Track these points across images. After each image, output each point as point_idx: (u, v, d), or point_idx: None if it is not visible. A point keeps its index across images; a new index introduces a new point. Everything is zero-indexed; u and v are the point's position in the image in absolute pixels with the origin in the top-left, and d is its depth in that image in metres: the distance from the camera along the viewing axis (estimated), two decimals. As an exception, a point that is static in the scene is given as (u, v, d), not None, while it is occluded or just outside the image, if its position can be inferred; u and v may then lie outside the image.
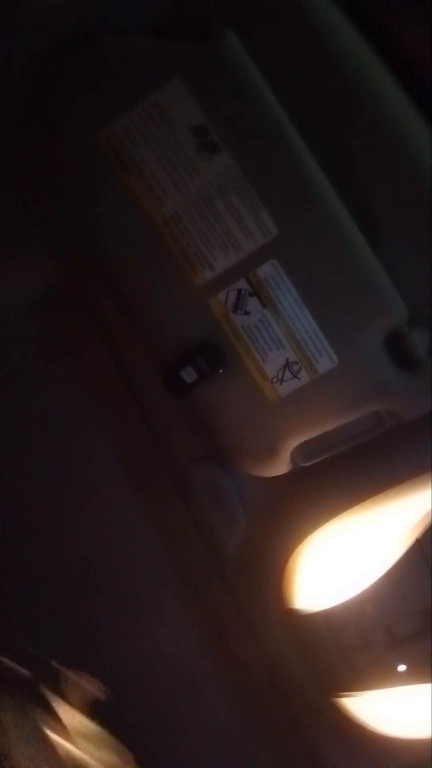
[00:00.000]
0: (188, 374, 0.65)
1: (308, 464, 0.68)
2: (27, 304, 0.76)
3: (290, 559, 0.73)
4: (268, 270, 0.63)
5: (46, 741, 0.70)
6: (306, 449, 0.68)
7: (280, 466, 0.69)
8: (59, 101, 0.65)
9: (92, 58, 0.65)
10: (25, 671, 0.80)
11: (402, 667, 0.73)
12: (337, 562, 0.74)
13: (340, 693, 0.75)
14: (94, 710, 0.83)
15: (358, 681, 0.74)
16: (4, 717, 0.68)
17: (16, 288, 0.76)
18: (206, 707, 0.82)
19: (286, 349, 0.64)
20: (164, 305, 0.66)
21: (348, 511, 0.70)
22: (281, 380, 0.64)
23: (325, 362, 0.63)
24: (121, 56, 0.64)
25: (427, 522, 0.72)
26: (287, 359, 0.64)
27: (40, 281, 0.75)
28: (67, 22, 0.66)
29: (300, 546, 0.72)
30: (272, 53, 0.63)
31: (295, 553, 0.73)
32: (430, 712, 0.73)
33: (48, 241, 0.72)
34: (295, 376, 0.64)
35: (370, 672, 0.74)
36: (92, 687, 0.83)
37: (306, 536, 0.72)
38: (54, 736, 0.73)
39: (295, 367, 0.64)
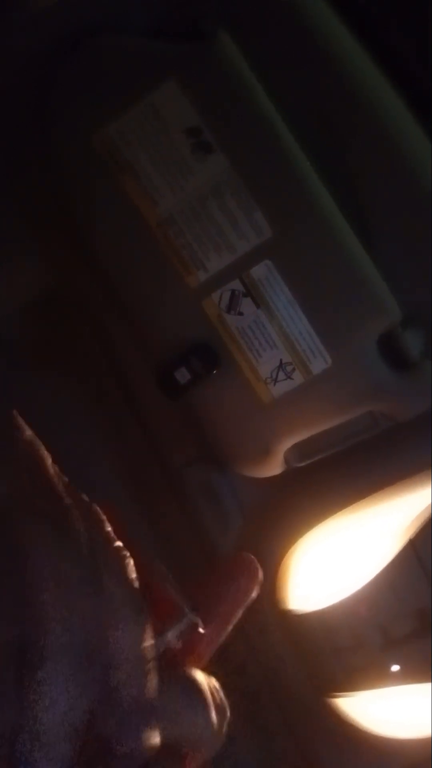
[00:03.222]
0: (182, 375, 0.65)
1: (302, 465, 0.68)
2: (23, 306, 0.76)
3: (285, 560, 0.73)
4: (261, 271, 0.63)
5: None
6: (300, 450, 0.68)
7: (274, 467, 0.69)
8: (56, 102, 0.66)
9: (89, 59, 0.65)
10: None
11: (395, 668, 0.73)
12: (331, 563, 0.74)
13: (335, 694, 0.75)
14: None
15: (353, 681, 0.74)
16: None
17: (11, 289, 0.76)
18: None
19: (280, 350, 0.64)
20: (158, 306, 0.66)
21: (342, 512, 0.70)
22: (275, 381, 0.64)
23: (319, 363, 0.63)
24: (117, 57, 0.64)
25: (420, 522, 0.72)
26: (281, 360, 0.64)
27: (36, 283, 0.75)
28: (65, 23, 0.66)
29: (294, 547, 0.72)
30: (268, 55, 0.63)
31: (289, 553, 0.73)
32: (423, 712, 0.73)
33: (44, 243, 0.72)
34: (288, 377, 0.64)
35: (364, 672, 0.74)
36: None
37: (300, 537, 0.72)
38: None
39: (289, 368, 0.64)
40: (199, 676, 0.46)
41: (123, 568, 0.41)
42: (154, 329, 0.67)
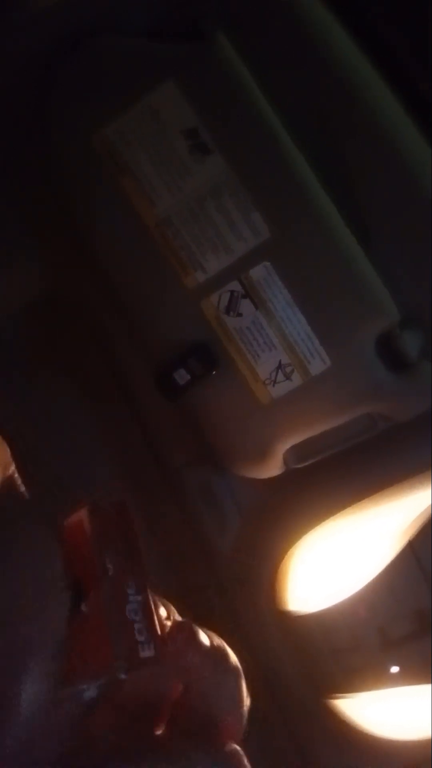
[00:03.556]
0: (181, 376, 0.65)
1: (301, 466, 0.68)
2: (23, 306, 0.76)
3: (283, 561, 0.73)
4: (260, 272, 0.62)
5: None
6: (299, 451, 0.68)
7: (273, 468, 0.69)
8: (56, 102, 0.66)
9: (89, 59, 0.65)
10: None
11: (395, 669, 0.73)
12: (329, 564, 0.74)
13: (334, 695, 0.75)
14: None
15: (352, 683, 0.74)
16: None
17: (11, 289, 0.76)
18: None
19: (279, 351, 0.63)
20: (157, 307, 0.66)
21: (341, 513, 0.70)
22: (274, 382, 0.64)
23: (318, 364, 0.63)
24: (117, 58, 0.64)
25: (419, 523, 0.72)
26: (280, 361, 0.64)
27: (36, 283, 0.75)
28: (65, 23, 0.66)
29: (293, 548, 0.72)
30: (267, 55, 0.63)
31: (288, 555, 0.73)
32: (423, 714, 0.73)
33: (44, 243, 0.72)
34: (287, 378, 0.64)
35: (363, 674, 0.74)
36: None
37: (299, 538, 0.72)
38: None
39: (288, 369, 0.64)
40: (218, 639, 0.48)
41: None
42: (153, 330, 0.67)
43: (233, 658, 0.51)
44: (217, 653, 0.50)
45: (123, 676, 0.43)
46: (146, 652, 0.44)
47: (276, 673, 0.77)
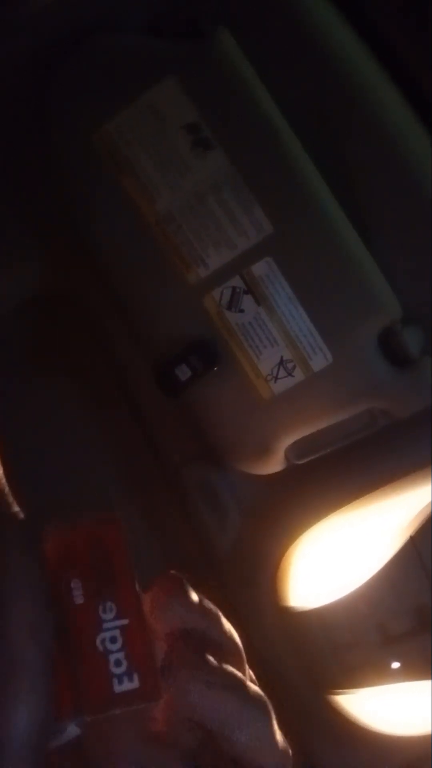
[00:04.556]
0: (182, 372, 0.65)
1: (302, 462, 0.68)
2: (21, 304, 0.76)
3: (284, 558, 0.73)
4: (262, 268, 0.62)
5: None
6: (300, 447, 0.68)
7: (275, 464, 0.69)
8: (56, 102, 0.66)
9: (87, 57, 0.65)
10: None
11: (396, 665, 0.73)
12: (330, 561, 0.75)
13: (334, 691, 0.75)
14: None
15: (352, 679, 0.74)
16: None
17: (11, 289, 0.76)
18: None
19: (281, 347, 0.64)
20: (158, 304, 0.66)
21: (342, 509, 0.70)
22: (276, 378, 0.64)
23: (320, 360, 0.63)
24: (116, 56, 0.64)
25: (420, 519, 0.72)
26: (282, 357, 0.64)
27: (34, 281, 0.75)
28: (65, 23, 0.66)
29: (294, 544, 0.72)
30: (267, 52, 0.63)
31: (288, 551, 0.73)
32: (423, 709, 0.73)
33: (44, 242, 0.72)
34: (289, 374, 0.64)
35: (363, 670, 0.74)
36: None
37: (300, 534, 0.72)
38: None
39: (290, 365, 0.64)
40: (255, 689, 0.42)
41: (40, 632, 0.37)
42: (154, 327, 0.67)
43: (254, 688, 0.43)
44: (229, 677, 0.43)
45: (84, 720, 0.38)
46: (125, 685, 0.39)
47: (276, 669, 0.77)
